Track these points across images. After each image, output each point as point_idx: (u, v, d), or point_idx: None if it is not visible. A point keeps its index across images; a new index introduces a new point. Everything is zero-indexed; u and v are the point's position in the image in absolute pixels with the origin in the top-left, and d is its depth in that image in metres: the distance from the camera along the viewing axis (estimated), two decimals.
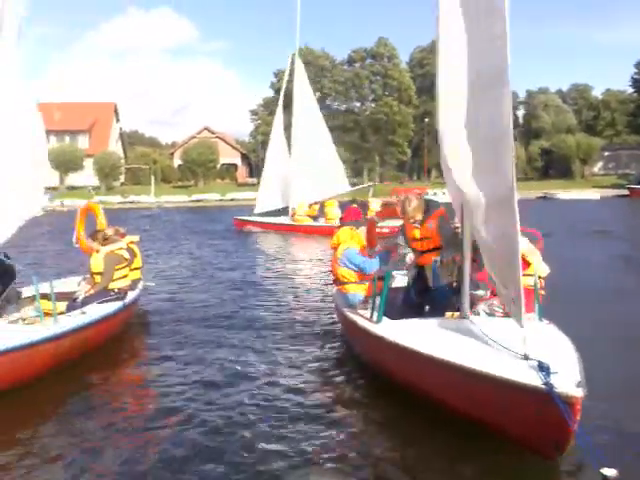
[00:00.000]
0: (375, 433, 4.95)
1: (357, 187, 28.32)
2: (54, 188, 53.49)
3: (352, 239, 7.01)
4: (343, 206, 24.47)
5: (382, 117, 69.31)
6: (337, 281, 7.16)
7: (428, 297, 6.48)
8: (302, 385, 6.00)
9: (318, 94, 72.77)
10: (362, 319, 6.09)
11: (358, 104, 74.19)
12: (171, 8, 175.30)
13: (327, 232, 22.84)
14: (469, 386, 4.34)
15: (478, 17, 4.83)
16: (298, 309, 9.71)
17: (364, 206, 24.33)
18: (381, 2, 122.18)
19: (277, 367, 6.60)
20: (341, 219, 23.42)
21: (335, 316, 8.18)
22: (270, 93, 73.88)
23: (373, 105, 72.53)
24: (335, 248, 7.11)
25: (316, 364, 6.71)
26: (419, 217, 6.43)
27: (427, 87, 67.59)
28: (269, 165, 27.25)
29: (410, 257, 6.61)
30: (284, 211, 25.72)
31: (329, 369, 6.54)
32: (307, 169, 25.12)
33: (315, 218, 24.73)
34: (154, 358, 7.09)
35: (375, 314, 5.80)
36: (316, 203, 24.95)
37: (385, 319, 5.76)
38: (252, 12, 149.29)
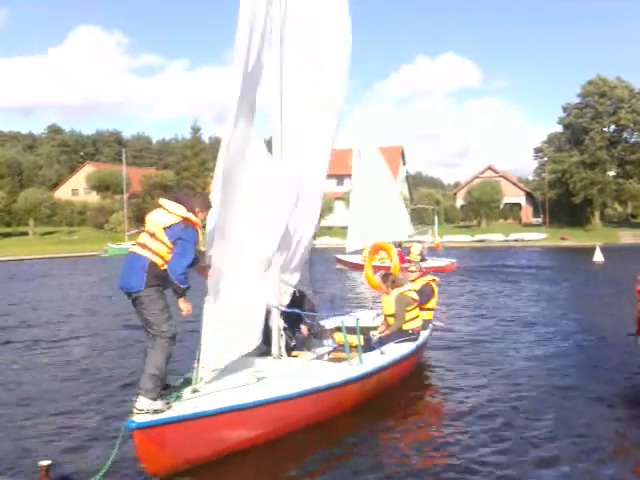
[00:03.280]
0: None
1: (419, 230, 29.00)
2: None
3: None
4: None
5: None
6: None
7: None
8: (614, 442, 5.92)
9: (613, 127, 67.63)
10: None
11: None
12: (455, 52, 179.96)
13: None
14: None
15: None
16: (592, 354, 9.55)
17: (406, 250, 23.81)
18: None
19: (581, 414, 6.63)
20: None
21: None
22: (557, 128, 71.13)
23: None
24: None
25: (624, 413, 6.70)
26: None
27: None
28: (352, 207, 28.08)
29: None
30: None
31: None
32: (371, 213, 26.02)
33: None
34: (443, 400, 7.33)
35: None
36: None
37: None
38: (536, 47, 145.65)
